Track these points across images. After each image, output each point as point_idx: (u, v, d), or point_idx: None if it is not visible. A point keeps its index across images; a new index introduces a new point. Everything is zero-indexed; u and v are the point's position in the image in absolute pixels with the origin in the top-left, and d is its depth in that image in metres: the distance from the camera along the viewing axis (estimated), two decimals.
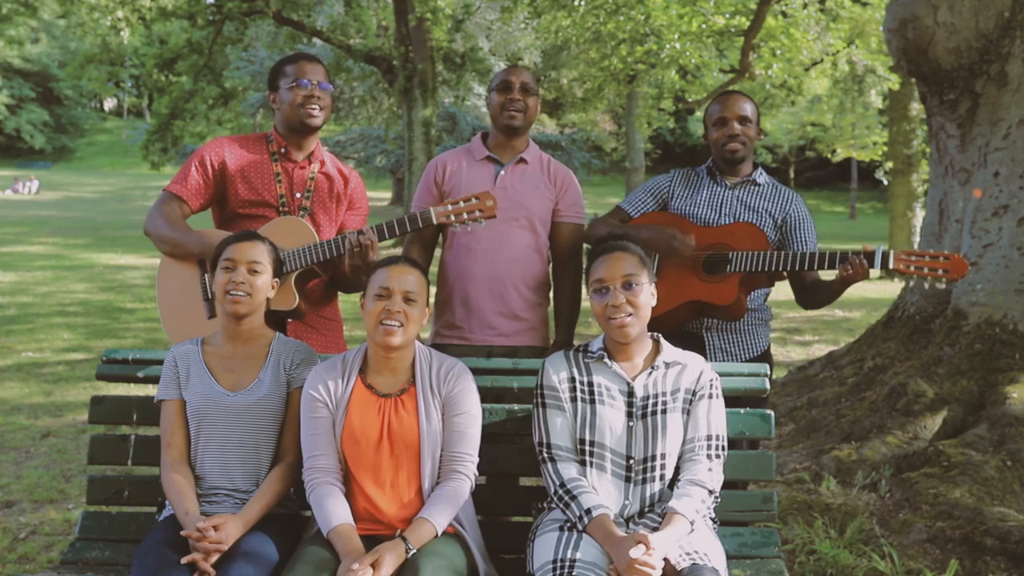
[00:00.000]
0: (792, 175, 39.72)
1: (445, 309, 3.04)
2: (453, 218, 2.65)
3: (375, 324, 2.16)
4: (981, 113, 4.61)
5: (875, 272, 2.69)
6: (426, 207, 3.05)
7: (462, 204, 2.65)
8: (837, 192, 41.42)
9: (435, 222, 2.67)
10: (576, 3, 12.04)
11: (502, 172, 3.03)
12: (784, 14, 12.40)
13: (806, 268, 2.70)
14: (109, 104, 61.59)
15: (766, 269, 2.71)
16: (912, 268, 2.60)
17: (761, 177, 3.00)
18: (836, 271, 2.68)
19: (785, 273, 2.80)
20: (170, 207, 2.83)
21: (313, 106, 2.82)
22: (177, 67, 17.16)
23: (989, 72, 4.56)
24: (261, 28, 23.89)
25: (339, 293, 3.03)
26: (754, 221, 2.90)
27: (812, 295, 2.93)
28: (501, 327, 2.98)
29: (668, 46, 12.07)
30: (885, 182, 23.41)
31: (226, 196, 2.86)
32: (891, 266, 2.61)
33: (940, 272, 2.58)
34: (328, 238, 2.88)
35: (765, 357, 2.98)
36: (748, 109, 2.94)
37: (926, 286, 2.64)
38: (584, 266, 3.07)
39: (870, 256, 2.61)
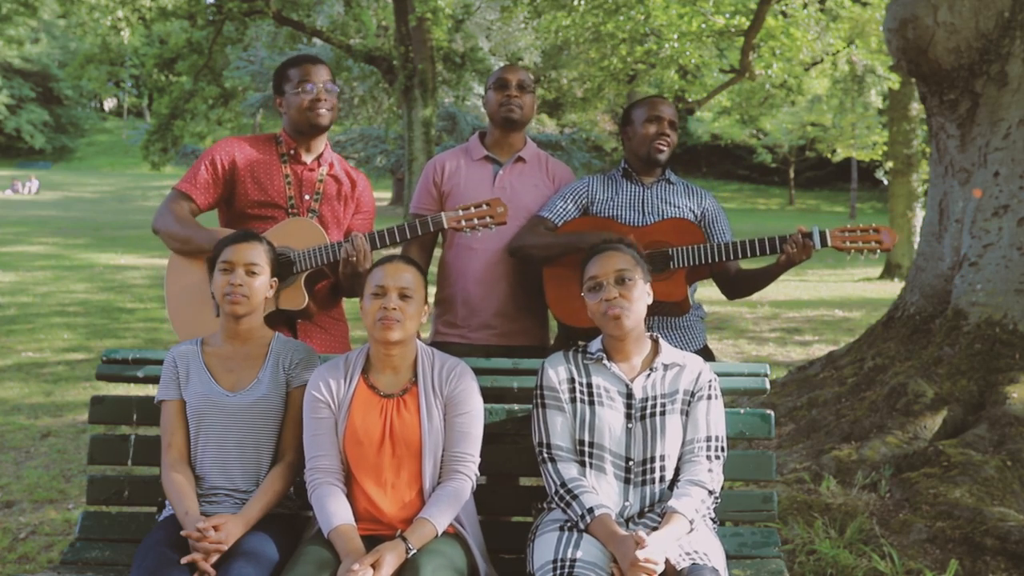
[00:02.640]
0: (792, 175, 39.76)
1: (446, 308, 3.05)
2: (464, 224, 2.67)
3: (373, 321, 2.17)
4: (981, 113, 4.61)
5: (869, 263, 2.75)
6: (425, 207, 3.06)
7: (473, 210, 2.67)
8: (837, 192, 41.43)
9: (446, 227, 2.68)
10: (576, 3, 12.04)
11: (501, 172, 3.03)
12: (784, 14, 12.40)
13: (748, 255, 2.74)
14: (109, 104, 61.60)
15: (708, 261, 2.74)
16: (848, 244, 2.70)
17: (672, 176, 3.06)
18: (776, 256, 2.73)
19: (723, 264, 2.84)
20: (179, 204, 2.83)
21: (320, 108, 2.83)
22: (177, 67, 17.15)
23: (989, 72, 4.56)
24: (261, 28, 23.89)
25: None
26: (678, 216, 2.94)
27: (742, 284, 2.98)
28: (501, 327, 2.98)
29: (667, 45, 12.08)
30: (885, 182, 23.41)
31: (234, 195, 2.86)
32: (829, 244, 2.69)
33: (873, 244, 2.68)
34: (335, 240, 2.89)
35: (706, 351, 3.01)
36: (675, 114, 3.02)
37: (862, 257, 2.73)
38: None
39: (809, 237, 2.68)
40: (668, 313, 2.87)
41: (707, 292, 3.28)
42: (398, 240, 2.70)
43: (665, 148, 2.96)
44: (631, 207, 2.97)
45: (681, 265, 2.74)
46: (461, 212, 2.67)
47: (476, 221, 2.66)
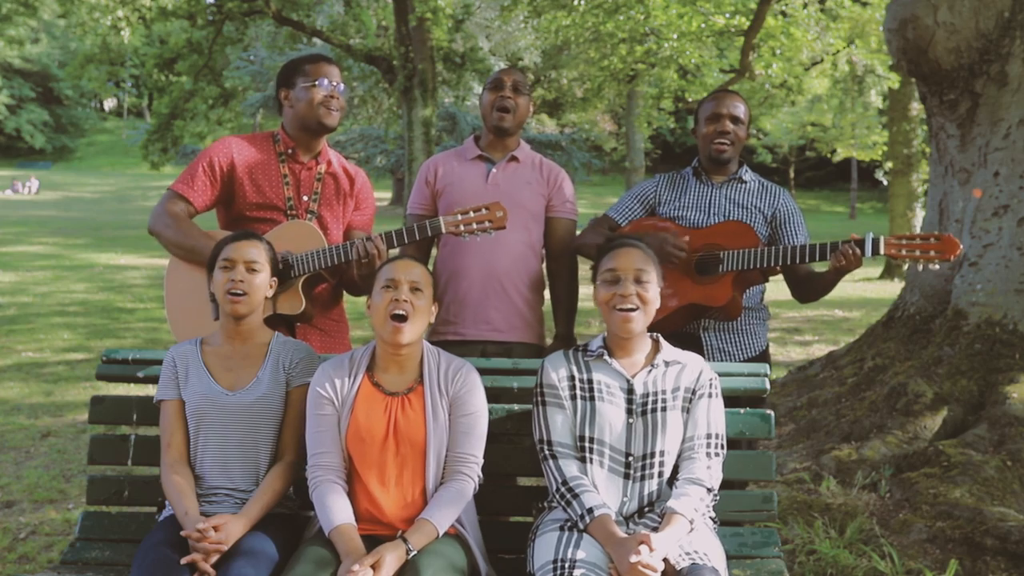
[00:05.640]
0: (792, 175, 39.75)
1: (440, 305, 3.05)
2: (463, 228, 2.64)
3: (383, 319, 2.16)
4: (981, 113, 4.61)
5: (870, 263, 2.70)
6: (421, 206, 3.07)
7: (472, 214, 2.64)
8: (837, 192, 41.44)
9: (444, 231, 2.66)
10: (576, 3, 12.05)
11: (493, 170, 3.03)
12: (784, 14, 12.40)
13: (797, 261, 2.69)
14: (109, 104, 61.62)
15: (758, 266, 2.70)
16: (904, 252, 2.58)
17: (747, 175, 3.01)
18: (828, 262, 2.67)
19: (778, 268, 2.79)
20: (176, 207, 2.78)
21: (332, 106, 2.82)
22: (177, 67, 17.16)
23: (989, 72, 4.56)
24: (261, 28, 23.90)
25: (344, 295, 3.03)
26: (744, 218, 2.89)
27: (807, 288, 2.94)
28: (496, 322, 2.98)
29: (667, 45, 12.09)
30: (885, 182, 23.41)
31: (233, 198, 2.83)
32: (882, 252, 2.59)
33: (932, 254, 2.55)
34: (335, 239, 2.89)
35: (763, 357, 2.97)
36: (741, 110, 2.94)
37: (920, 268, 2.62)
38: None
39: (861, 244, 2.59)
40: (715, 316, 2.84)
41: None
42: (395, 244, 2.69)
43: (727, 147, 2.90)
44: (697, 208, 2.93)
45: (730, 269, 2.72)
46: (460, 217, 2.65)
47: (475, 226, 2.64)
